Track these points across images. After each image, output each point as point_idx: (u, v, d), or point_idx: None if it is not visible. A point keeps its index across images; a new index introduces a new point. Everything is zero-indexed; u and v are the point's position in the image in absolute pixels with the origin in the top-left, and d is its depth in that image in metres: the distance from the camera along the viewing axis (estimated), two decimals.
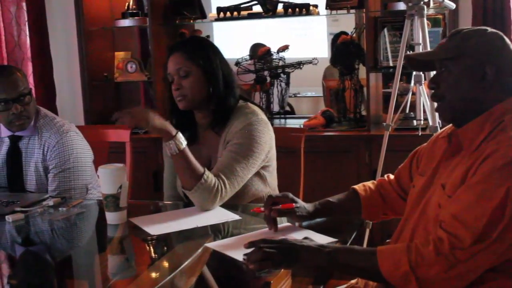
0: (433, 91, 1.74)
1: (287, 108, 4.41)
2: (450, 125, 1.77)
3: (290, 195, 1.97)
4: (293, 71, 4.11)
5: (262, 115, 2.38)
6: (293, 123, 4.11)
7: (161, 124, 2.13)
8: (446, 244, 1.50)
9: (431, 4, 3.49)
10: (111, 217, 2.13)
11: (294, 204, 1.94)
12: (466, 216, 1.52)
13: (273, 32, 4.75)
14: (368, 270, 1.59)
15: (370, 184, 2.09)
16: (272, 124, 3.72)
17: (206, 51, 2.34)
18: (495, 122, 1.62)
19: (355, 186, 2.08)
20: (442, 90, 1.70)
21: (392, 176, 2.07)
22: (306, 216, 1.96)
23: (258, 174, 2.35)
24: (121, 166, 2.14)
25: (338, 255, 1.60)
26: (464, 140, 1.68)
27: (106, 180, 2.12)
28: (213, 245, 1.89)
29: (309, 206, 1.97)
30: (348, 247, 1.67)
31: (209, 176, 2.16)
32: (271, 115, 4.12)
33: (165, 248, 2.00)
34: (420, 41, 3.10)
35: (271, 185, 2.43)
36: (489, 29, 1.70)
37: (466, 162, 1.62)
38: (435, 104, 1.76)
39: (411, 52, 3.11)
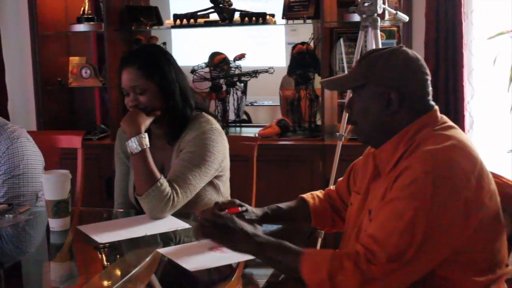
0: (348, 114, 1.78)
1: (244, 117, 4.42)
2: None
3: (237, 201, 1.96)
4: (249, 80, 4.11)
5: (216, 125, 2.38)
6: (249, 131, 4.12)
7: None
8: (363, 258, 1.50)
9: (386, 16, 3.54)
10: (59, 224, 2.11)
11: (240, 208, 1.92)
12: (379, 234, 1.53)
13: (231, 40, 4.76)
14: (290, 268, 1.60)
15: (318, 193, 2.11)
16: (227, 133, 3.73)
17: (161, 64, 2.31)
18: (408, 142, 1.64)
19: (303, 195, 2.10)
20: (355, 115, 1.74)
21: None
22: (255, 220, 1.95)
23: (211, 183, 2.35)
24: (67, 171, 2.15)
25: (267, 247, 1.63)
26: (380, 162, 1.72)
27: (56, 187, 2.11)
28: (164, 251, 1.87)
29: (257, 210, 1.97)
30: (279, 242, 1.66)
31: (164, 184, 2.15)
32: (226, 124, 4.11)
33: (114, 255, 1.98)
34: None
35: (224, 195, 2.43)
36: (396, 48, 1.71)
37: (384, 184, 1.64)
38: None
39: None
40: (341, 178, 2.09)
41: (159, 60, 2.32)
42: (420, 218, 1.49)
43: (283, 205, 2.06)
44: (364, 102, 1.70)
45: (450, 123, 1.70)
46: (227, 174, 2.45)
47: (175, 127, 2.35)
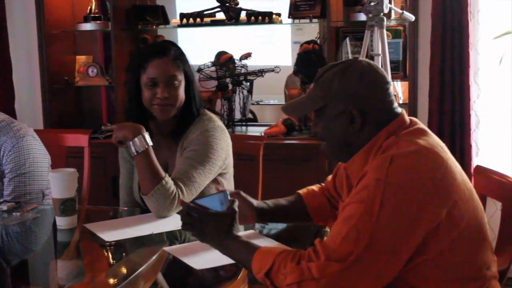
0: (316, 134, 1.76)
1: (250, 116, 4.42)
2: None
3: (242, 193, 1.98)
4: (255, 79, 4.11)
5: (219, 122, 2.39)
6: (255, 130, 4.12)
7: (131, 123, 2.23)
8: (306, 258, 1.50)
9: (392, 16, 3.54)
10: (66, 222, 2.12)
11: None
12: (329, 236, 1.54)
13: (237, 40, 4.76)
14: (246, 265, 1.63)
15: (314, 187, 2.11)
16: (233, 132, 3.73)
17: (187, 59, 2.36)
18: (377, 152, 1.61)
19: (299, 191, 2.10)
20: (321, 135, 1.72)
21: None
22: (252, 204, 1.97)
23: (215, 181, 2.35)
24: (74, 170, 2.16)
25: (229, 244, 1.67)
26: (351, 173, 1.71)
27: (63, 185, 2.12)
28: (170, 249, 1.88)
29: (256, 202, 1.98)
30: (241, 240, 1.69)
31: (169, 182, 2.16)
32: (232, 123, 4.12)
33: (121, 254, 1.99)
34: (380, 52, 3.14)
35: None
36: (353, 64, 1.67)
37: None
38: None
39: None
40: (329, 179, 2.08)
41: (185, 55, 2.37)
42: (365, 223, 1.47)
43: (282, 199, 2.07)
44: (327, 123, 1.68)
45: (420, 126, 1.67)
46: (230, 172, 2.46)
47: (184, 123, 2.36)
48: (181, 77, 2.31)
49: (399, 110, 1.68)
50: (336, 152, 1.74)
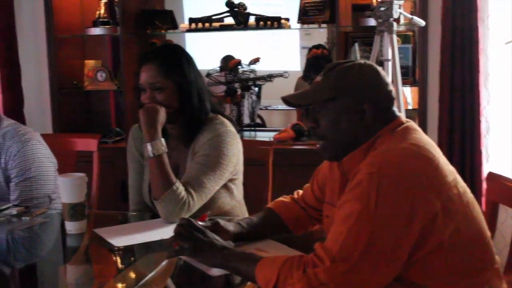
0: (312, 129, 1.73)
1: (258, 121, 4.42)
2: None
3: (220, 221, 1.93)
4: (264, 84, 4.11)
5: (231, 127, 2.37)
6: (263, 135, 4.11)
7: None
8: (310, 264, 1.49)
9: (402, 21, 3.53)
10: (76, 226, 2.11)
11: (207, 213, 1.96)
12: (328, 239, 1.53)
13: (246, 44, 4.76)
14: (249, 277, 1.61)
15: (283, 198, 2.10)
16: (242, 137, 3.71)
17: (182, 64, 2.31)
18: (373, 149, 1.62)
19: (268, 205, 2.09)
20: (323, 129, 1.69)
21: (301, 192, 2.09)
22: (230, 231, 1.91)
23: (225, 186, 2.34)
24: (83, 174, 2.16)
25: (230, 258, 1.65)
26: (348, 170, 1.68)
27: (73, 189, 2.11)
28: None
29: (231, 225, 1.93)
30: (242, 252, 1.69)
31: (179, 188, 2.15)
32: (241, 128, 4.11)
33: (130, 259, 1.98)
34: (390, 57, 3.13)
35: (237, 198, 2.42)
36: (363, 62, 1.71)
37: None
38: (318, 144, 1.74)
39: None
40: (307, 185, 2.07)
41: (180, 60, 2.32)
42: (364, 220, 1.47)
43: (254, 217, 2.04)
44: (334, 116, 1.66)
45: (413, 125, 1.69)
46: (240, 178, 2.45)
47: (190, 129, 2.35)
48: (166, 84, 2.27)
49: (398, 112, 1.71)
50: (338, 148, 1.70)
